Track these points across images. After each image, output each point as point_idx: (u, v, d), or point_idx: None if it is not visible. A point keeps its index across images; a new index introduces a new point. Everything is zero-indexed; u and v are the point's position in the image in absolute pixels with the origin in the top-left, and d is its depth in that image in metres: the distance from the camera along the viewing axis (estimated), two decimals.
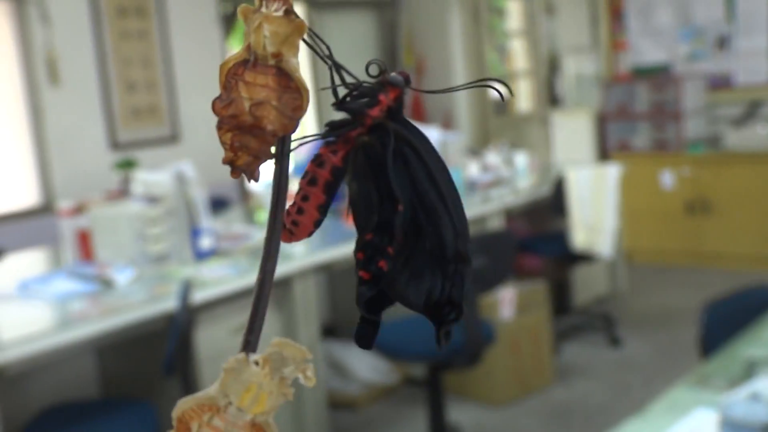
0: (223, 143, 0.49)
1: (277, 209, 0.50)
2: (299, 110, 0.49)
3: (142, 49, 5.31)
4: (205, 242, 3.64)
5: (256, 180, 0.50)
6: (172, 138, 5.42)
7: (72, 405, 3.05)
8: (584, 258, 5.07)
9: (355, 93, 0.54)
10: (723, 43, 6.87)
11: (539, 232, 5.59)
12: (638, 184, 6.73)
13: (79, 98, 5.01)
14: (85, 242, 3.60)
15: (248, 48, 0.49)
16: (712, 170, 6.64)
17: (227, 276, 3.38)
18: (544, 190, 5.16)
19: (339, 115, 0.55)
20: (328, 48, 0.52)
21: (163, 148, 5.34)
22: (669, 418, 1.95)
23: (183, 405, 0.48)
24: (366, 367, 4.40)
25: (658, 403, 2.08)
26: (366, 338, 0.54)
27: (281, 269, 3.50)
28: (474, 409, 4.27)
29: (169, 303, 3.06)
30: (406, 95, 0.55)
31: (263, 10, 0.48)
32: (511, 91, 0.60)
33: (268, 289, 0.50)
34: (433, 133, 5.08)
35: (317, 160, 0.53)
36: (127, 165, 4.07)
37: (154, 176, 3.70)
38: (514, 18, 8.08)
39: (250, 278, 3.32)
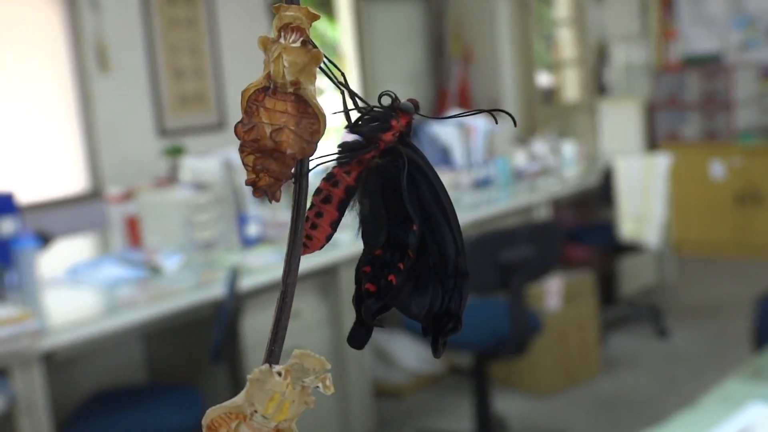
0: (245, 165, 0.52)
1: (297, 226, 0.53)
2: (317, 134, 0.52)
3: (190, 36, 5.33)
4: (252, 229, 3.65)
5: (277, 200, 0.53)
6: (220, 125, 5.44)
7: (120, 390, 3.08)
8: (632, 248, 5.02)
9: (366, 117, 0.57)
10: None
11: (586, 222, 5.54)
12: (688, 174, 6.64)
13: (127, 85, 5.05)
14: (133, 228, 3.63)
15: (268, 76, 0.51)
16: (763, 160, 6.53)
17: (274, 263, 3.38)
18: (592, 180, 5.11)
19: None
20: (342, 75, 0.55)
21: (211, 135, 5.36)
22: (722, 411, 1.92)
23: (211, 413, 0.51)
24: (411, 355, 4.39)
25: (710, 395, 2.05)
26: (360, 340, 0.57)
27: (328, 257, 3.50)
28: (520, 399, 4.25)
29: (216, 290, 3.08)
30: (415, 121, 0.58)
31: (282, 41, 0.52)
32: (514, 122, 0.63)
33: (290, 301, 0.52)
34: (479, 122, 5.05)
35: (332, 180, 0.56)
36: (176, 152, 4.09)
37: (201, 163, 3.72)
38: (561, 6, 7.99)
39: None
